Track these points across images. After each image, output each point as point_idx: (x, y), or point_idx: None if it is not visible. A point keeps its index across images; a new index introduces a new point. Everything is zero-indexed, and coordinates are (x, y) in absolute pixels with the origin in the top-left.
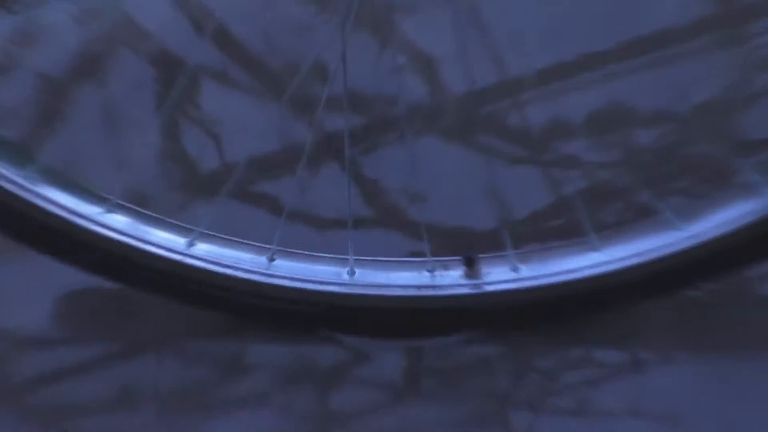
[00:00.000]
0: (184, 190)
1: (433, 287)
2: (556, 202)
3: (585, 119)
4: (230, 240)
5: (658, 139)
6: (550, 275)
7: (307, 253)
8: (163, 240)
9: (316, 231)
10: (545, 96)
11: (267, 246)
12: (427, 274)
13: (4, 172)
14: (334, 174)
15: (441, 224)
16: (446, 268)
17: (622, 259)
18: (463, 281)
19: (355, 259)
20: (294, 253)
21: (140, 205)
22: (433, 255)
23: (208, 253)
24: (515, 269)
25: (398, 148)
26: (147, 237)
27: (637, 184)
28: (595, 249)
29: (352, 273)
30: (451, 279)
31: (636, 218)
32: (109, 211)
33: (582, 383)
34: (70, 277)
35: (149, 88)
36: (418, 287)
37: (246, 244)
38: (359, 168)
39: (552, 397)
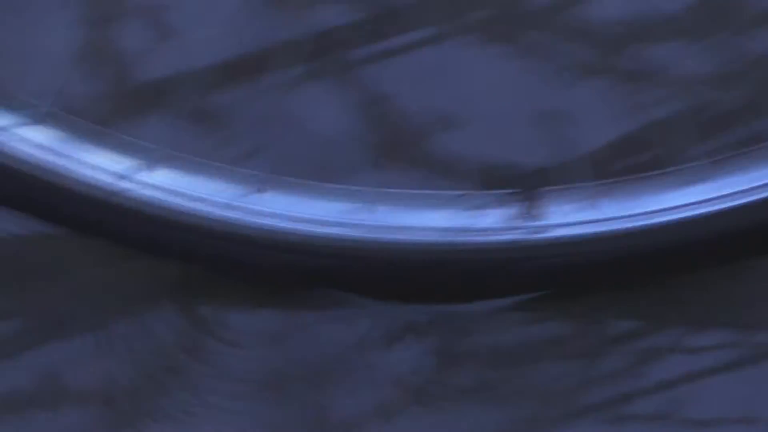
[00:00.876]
0: (120, 103)
1: (475, 231)
2: (639, 130)
3: (680, 12)
4: (204, 164)
5: None
6: (641, 214)
7: (308, 183)
8: (107, 162)
9: (320, 156)
10: None
11: (254, 173)
12: (470, 212)
13: None
14: (330, 87)
15: (478, 158)
16: (498, 204)
17: (742, 192)
18: (519, 223)
19: (374, 192)
20: (291, 183)
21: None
22: (481, 188)
23: (170, 181)
24: (593, 205)
25: (418, 52)
26: (84, 157)
27: (755, 106)
28: (705, 178)
29: (371, 211)
30: (500, 219)
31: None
32: (35, 122)
33: (678, 378)
34: None
35: None
36: (455, 231)
37: (225, 169)
38: (365, 79)
39: (638, 398)
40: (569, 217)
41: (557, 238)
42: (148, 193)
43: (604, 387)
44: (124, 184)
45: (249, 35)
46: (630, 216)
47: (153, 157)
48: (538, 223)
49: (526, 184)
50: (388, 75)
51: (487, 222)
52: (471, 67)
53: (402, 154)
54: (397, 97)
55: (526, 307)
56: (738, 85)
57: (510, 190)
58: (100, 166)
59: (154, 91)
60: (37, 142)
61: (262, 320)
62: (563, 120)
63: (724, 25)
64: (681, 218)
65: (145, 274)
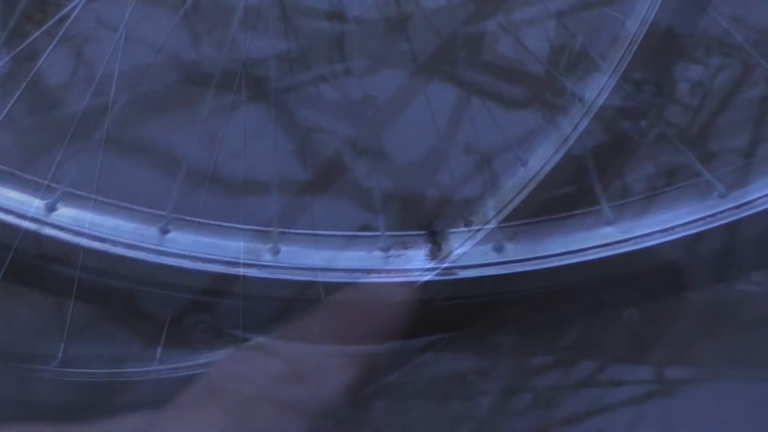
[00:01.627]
0: (38, 134)
1: (387, 272)
2: (561, 162)
3: (604, 46)
4: (107, 203)
5: (709, 75)
6: (545, 257)
7: (214, 223)
8: (11, 202)
9: (226, 195)
10: (548, 12)
11: (159, 213)
12: (378, 253)
13: None
14: (252, 117)
15: (400, 190)
16: (405, 246)
17: (645, 236)
18: (428, 264)
19: (281, 233)
20: (196, 222)
21: None
22: (388, 229)
23: (75, 221)
24: (499, 249)
25: (343, 83)
26: None
27: (674, 141)
28: (608, 222)
29: (276, 252)
30: (411, 261)
31: (667, 185)
32: None
33: (593, 410)
34: None
35: None
36: (367, 272)
37: (130, 209)
38: (288, 110)
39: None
40: (477, 259)
41: (466, 280)
42: (51, 233)
43: (517, 421)
44: (27, 224)
45: (171, 65)
46: (534, 258)
47: (57, 197)
48: (447, 264)
49: (440, 224)
50: (312, 105)
51: (397, 263)
52: (398, 101)
53: (323, 185)
54: (321, 130)
55: (437, 347)
56: (658, 119)
57: (420, 232)
58: (3, 206)
59: (74, 123)
60: None
61: (170, 359)
62: (486, 155)
63: (646, 61)
64: (585, 260)
65: (51, 315)
